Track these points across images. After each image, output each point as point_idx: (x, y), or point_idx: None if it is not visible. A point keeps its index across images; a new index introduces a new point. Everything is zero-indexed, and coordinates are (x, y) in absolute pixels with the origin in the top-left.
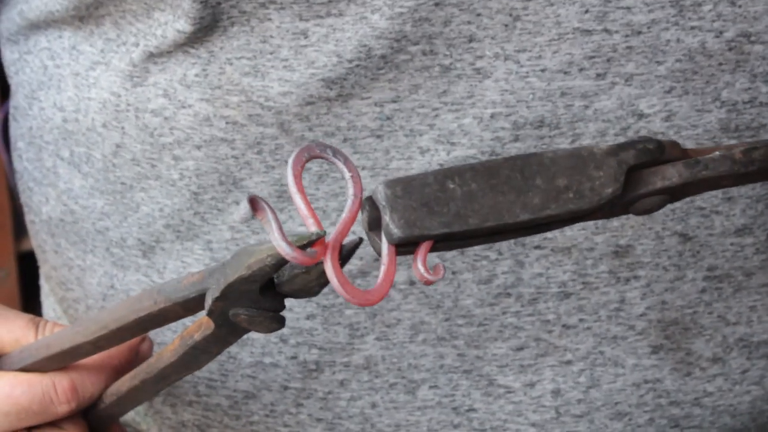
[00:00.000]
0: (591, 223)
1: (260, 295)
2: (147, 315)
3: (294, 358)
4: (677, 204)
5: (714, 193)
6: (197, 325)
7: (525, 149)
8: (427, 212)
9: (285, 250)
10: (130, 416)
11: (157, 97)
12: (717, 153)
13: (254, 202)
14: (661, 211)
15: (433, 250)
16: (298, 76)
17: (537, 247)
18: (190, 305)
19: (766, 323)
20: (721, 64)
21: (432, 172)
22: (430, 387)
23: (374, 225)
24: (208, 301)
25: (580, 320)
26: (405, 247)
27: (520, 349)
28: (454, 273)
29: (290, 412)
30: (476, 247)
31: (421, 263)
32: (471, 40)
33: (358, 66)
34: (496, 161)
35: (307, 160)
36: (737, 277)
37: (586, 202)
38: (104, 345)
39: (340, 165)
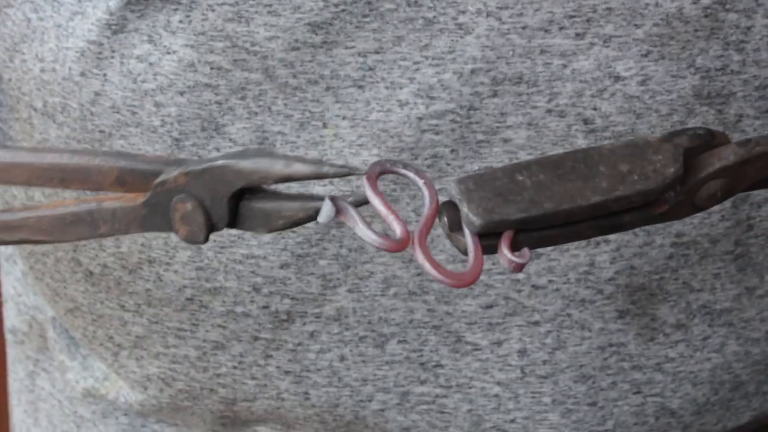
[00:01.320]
0: None
1: (221, 202)
2: (82, 166)
3: (266, 307)
4: None
5: None
6: (116, 196)
7: (503, 105)
8: (503, 201)
9: (374, 239)
10: (89, 383)
11: (143, 43)
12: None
13: (336, 203)
14: None
15: (514, 246)
16: (284, 21)
17: None
18: (127, 179)
19: (729, 291)
20: (696, 30)
21: (499, 168)
22: (399, 341)
23: (455, 227)
24: (170, 176)
25: (550, 281)
26: (488, 238)
27: (489, 307)
28: None
29: (259, 364)
30: None
31: (506, 249)
32: None
33: (343, 10)
34: (557, 155)
35: (379, 174)
36: (703, 244)
37: (652, 182)
38: (31, 179)
39: (412, 176)
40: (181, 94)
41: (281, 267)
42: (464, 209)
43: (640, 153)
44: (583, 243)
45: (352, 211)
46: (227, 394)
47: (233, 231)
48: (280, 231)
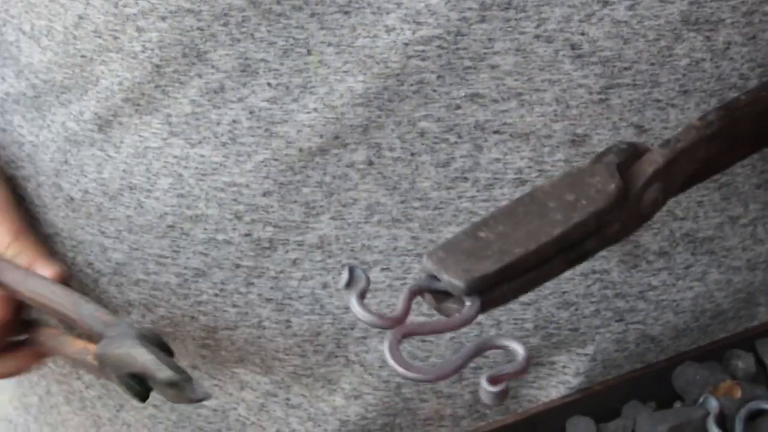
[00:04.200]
0: (550, 109)
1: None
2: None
3: (248, 235)
4: (635, 95)
5: (671, 85)
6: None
7: (491, 30)
8: (476, 259)
9: (358, 312)
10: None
11: None
12: (681, 129)
13: (351, 272)
14: (618, 101)
15: (499, 301)
16: None
17: (496, 132)
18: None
19: (711, 219)
20: None
21: (461, 231)
22: (382, 269)
23: (441, 299)
24: (99, 355)
25: None
26: (480, 296)
27: None
28: (413, 154)
29: (240, 292)
30: (436, 130)
31: (486, 383)
32: None
33: None
34: (508, 206)
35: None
36: None
37: (600, 201)
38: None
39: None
40: (163, 19)
41: (263, 194)
42: (444, 277)
43: (579, 180)
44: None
45: (361, 284)
46: (208, 322)
47: (215, 158)
48: None
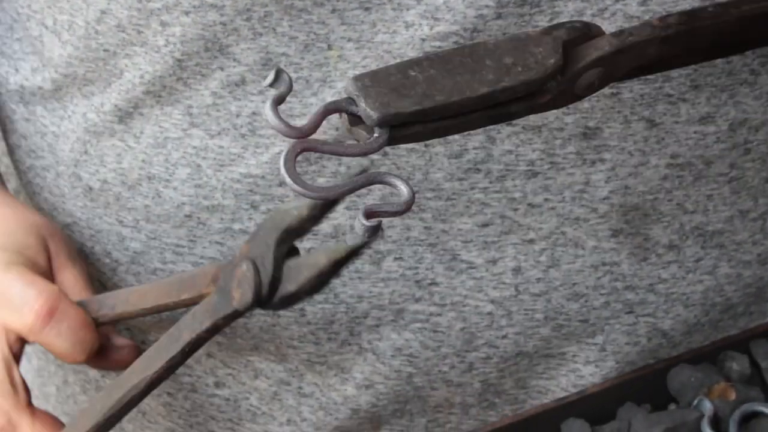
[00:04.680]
0: None
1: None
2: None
3: None
4: (646, 89)
5: (682, 80)
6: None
7: (506, 27)
8: (398, 95)
9: (268, 115)
10: None
11: None
12: (638, 23)
13: (278, 74)
14: (630, 95)
15: (408, 139)
16: None
17: (509, 124)
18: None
19: (721, 213)
20: None
21: (393, 65)
22: (395, 259)
23: (354, 123)
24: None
25: (545, 200)
26: (391, 130)
27: (485, 225)
28: (426, 146)
29: None
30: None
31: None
32: None
33: None
34: (446, 51)
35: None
36: (697, 166)
37: (534, 72)
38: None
39: None
40: (187, 14)
41: (279, 185)
42: (362, 104)
43: (523, 46)
44: (579, 162)
45: (280, 88)
46: None
47: (233, 149)
48: (306, 289)
